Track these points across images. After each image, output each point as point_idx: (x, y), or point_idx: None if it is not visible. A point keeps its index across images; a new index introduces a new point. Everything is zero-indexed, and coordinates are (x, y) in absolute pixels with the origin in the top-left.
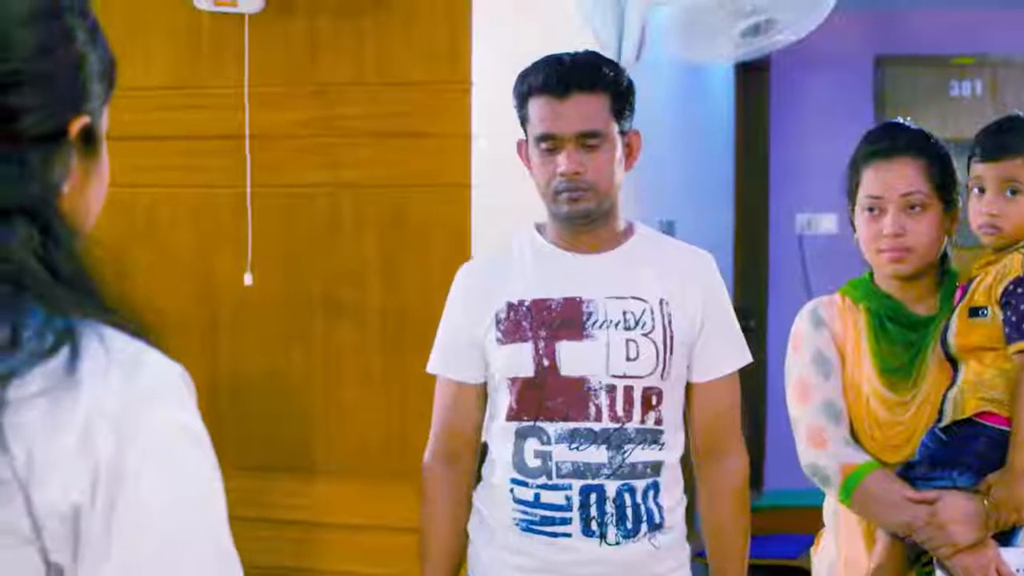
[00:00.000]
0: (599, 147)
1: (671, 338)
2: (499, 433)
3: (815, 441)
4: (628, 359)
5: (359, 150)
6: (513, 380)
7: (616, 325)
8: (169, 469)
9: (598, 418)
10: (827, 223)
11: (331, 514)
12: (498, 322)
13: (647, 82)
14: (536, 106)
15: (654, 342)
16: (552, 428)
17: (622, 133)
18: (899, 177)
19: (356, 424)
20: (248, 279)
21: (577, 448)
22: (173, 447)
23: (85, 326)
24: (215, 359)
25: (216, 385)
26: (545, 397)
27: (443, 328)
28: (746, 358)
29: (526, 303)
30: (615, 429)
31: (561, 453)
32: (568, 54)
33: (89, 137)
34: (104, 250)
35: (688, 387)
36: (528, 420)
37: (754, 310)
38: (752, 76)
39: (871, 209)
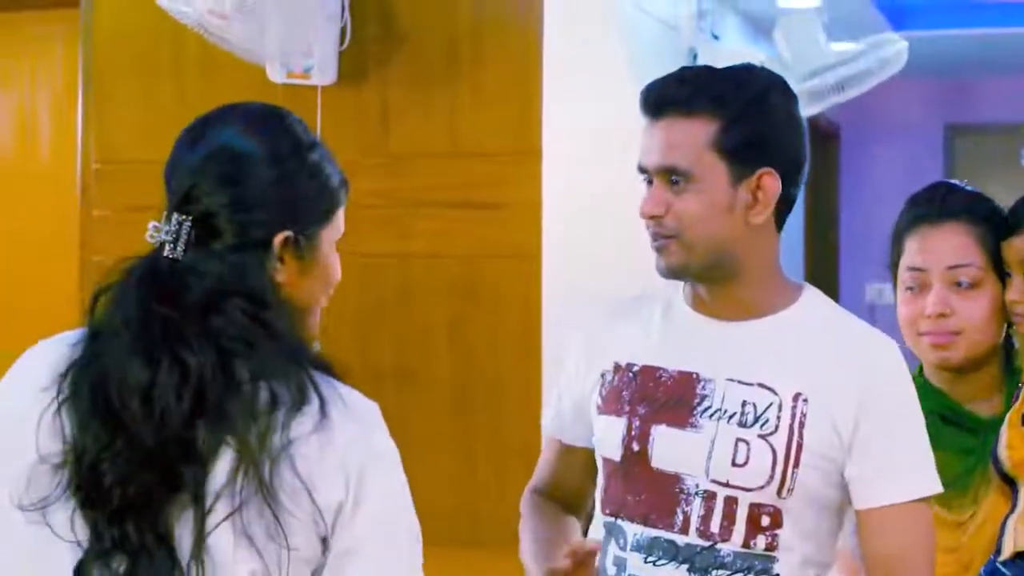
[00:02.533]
0: (685, 189)
1: (799, 447)
2: (595, 523)
3: (849, 569)
4: (734, 464)
5: (430, 220)
6: (605, 461)
7: (730, 418)
8: (388, 477)
9: (684, 530)
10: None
11: None
12: (602, 384)
13: None
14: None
15: (772, 448)
16: (631, 531)
17: (739, 172)
18: (945, 246)
19: (425, 493)
20: (317, 346)
21: (653, 563)
22: (390, 463)
23: (317, 379)
24: None
25: None
26: (628, 490)
27: (558, 381)
28: (929, 487)
29: (635, 368)
30: (702, 548)
31: (635, 565)
32: (699, 66)
33: (297, 245)
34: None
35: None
36: (610, 515)
37: None
38: (822, 144)
39: (911, 287)
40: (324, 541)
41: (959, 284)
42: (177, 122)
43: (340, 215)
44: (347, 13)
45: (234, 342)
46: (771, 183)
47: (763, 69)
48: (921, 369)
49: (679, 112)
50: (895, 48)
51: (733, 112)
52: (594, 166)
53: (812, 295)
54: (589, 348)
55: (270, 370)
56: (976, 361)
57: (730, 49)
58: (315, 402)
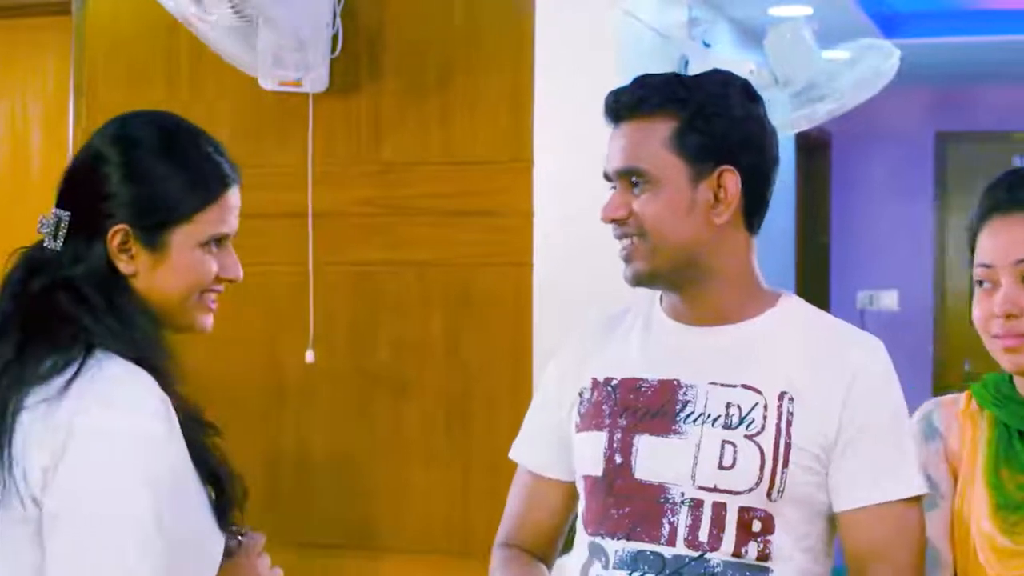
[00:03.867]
0: (645, 191)
1: (787, 446)
2: (577, 546)
3: None
4: (721, 467)
5: (422, 228)
6: (586, 480)
7: (714, 421)
8: (95, 454)
9: (671, 541)
10: (888, 300)
11: None
12: (580, 403)
13: None
14: None
15: (760, 448)
16: (613, 548)
17: (699, 170)
18: (1015, 238)
19: (420, 503)
20: (310, 356)
21: None
22: (107, 442)
23: (98, 359)
24: (279, 436)
25: (279, 461)
26: (611, 505)
27: (531, 405)
28: (912, 487)
29: (614, 381)
30: (691, 559)
31: None
32: (662, 73)
33: (141, 239)
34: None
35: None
36: (592, 534)
37: None
38: (813, 152)
39: (981, 282)
40: (36, 503)
41: None
42: None
43: (215, 214)
44: (339, 21)
45: (41, 321)
46: (732, 181)
47: (725, 72)
48: (1011, 377)
49: (638, 115)
50: (886, 56)
51: (690, 110)
52: (586, 175)
53: (792, 300)
54: (564, 372)
55: (52, 348)
56: None
57: (721, 57)
58: (67, 375)
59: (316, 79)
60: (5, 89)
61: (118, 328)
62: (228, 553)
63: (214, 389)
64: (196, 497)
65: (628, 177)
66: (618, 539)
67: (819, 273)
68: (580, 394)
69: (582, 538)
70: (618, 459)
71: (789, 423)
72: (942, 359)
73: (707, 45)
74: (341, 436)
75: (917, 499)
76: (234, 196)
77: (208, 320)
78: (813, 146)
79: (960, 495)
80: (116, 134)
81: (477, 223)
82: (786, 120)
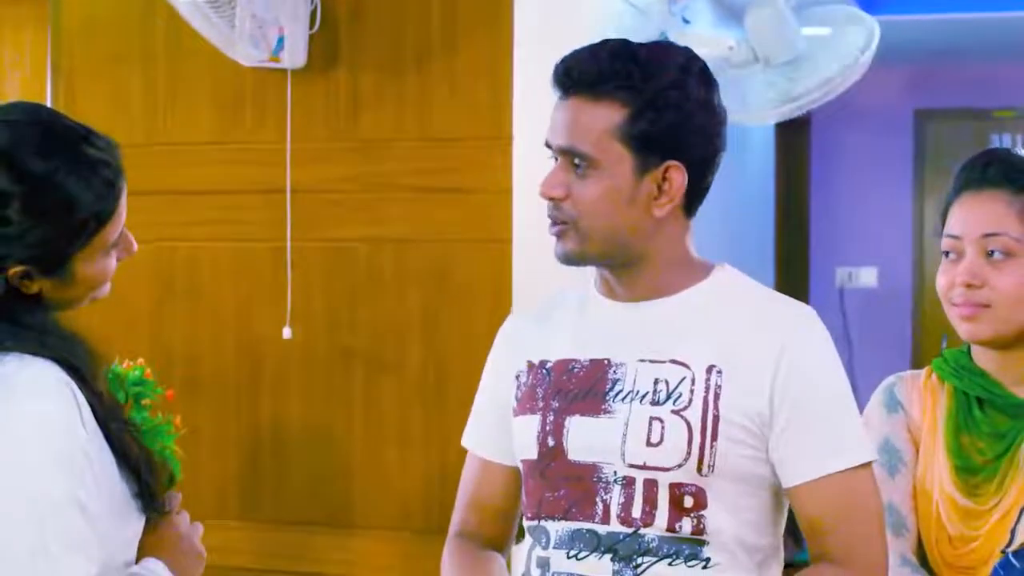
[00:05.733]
0: (587, 175)
1: (715, 419)
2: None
3: None
4: (649, 443)
5: (400, 205)
6: (524, 464)
7: (642, 398)
8: None
9: (604, 519)
10: (867, 277)
11: (370, 570)
12: (518, 387)
13: None
14: None
15: (687, 423)
16: (553, 528)
17: (645, 163)
18: (981, 213)
19: (396, 480)
20: (287, 333)
21: (575, 556)
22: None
23: (10, 358)
24: (255, 413)
25: (257, 438)
26: (547, 487)
27: (478, 389)
28: (860, 455)
29: (548, 364)
30: (625, 536)
31: (559, 562)
32: (613, 40)
33: (47, 270)
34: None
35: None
36: (532, 518)
37: None
38: (792, 131)
39: (947, 253)
40: None
41: (991, 254)
42: (146, 109)
43: (112, 225)
44: None
45: None
46: (678, 177)
47: (682, 50)
48: (969, 349)
49: (587, 94)
50: (866, 30)
51: (642, 101)
52: None
53: (724, 271)
54: (503, 356)
55: None
56: (1012, 339)
57: (701, 34)
58: None
59: (294, 55)
60: None
61: (34, 338)
62: (165, 512)
63: (191, 365)
64: (114, 483)
65: (570, 156)
66: (556, 520)
67: (798, 251)
68: (517, 377)
69: (526, 523)
70: (551, 442)
71: (717, 396)
72: (921, 335)
73: (687, 21)
74: (317, 413)
75: (865, 466)
76: (123, 193)
77: (106, 289)
78: (792, 124)
79: (922, 464)
80: (19, 168)
81: (456, 200)
82: (764, 99)
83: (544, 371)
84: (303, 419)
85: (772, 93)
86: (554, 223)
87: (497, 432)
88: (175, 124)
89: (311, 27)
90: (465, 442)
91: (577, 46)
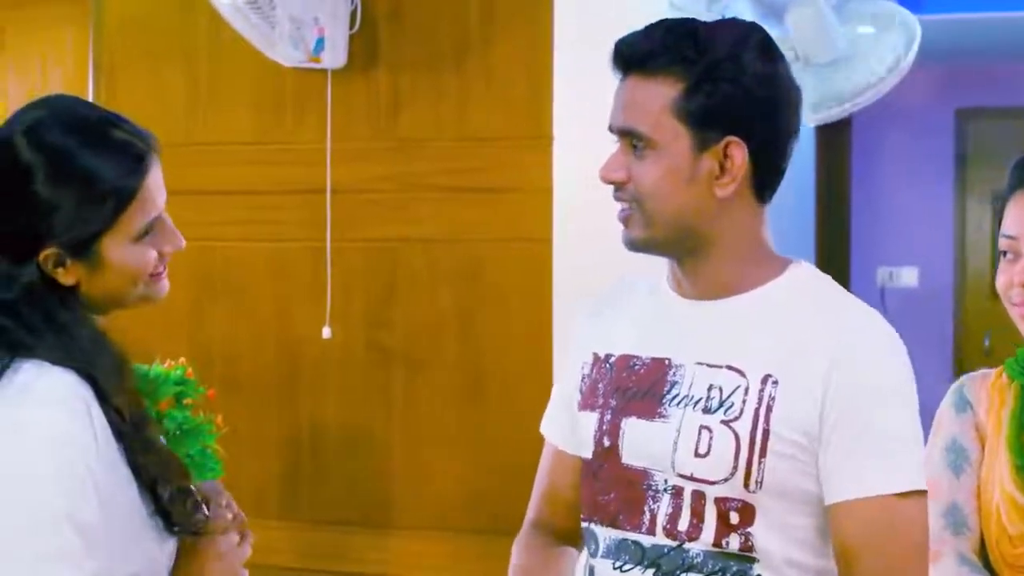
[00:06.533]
0: (645, 156)
1: (765, 433)
2: None
3: (930, 552)
4: (697, 454)
5: (439, 205)
6: (583, 462)
7: (695, 404)
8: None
9: (650, 530)
10: (908, 276)
11: (408, 569)
12: (583, 379)
13: None
14: None
15: (736, 435)
16: (602, 535)
17: (703, 139)
18: None
19: (434, 480)
20: (327, 332)
21: (620, 568)
22: (10, 439)
23: (21, 365)
24: (295, 413)
25: (296, 438)
26: (599, 491)
27: (557, 377)
28: (908, 482)
29: (612, 358)
30: (670, 549)
31: (604, 572)
32: (675, 20)
33: (76, 253)
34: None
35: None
36: (584, 520)
37: None
38: (833, 130)
39: (1004, 252)
40: None
41: None
42: (186, 108)
43: (138, 207)
44: None
45: None
46: (739, 154)
47: (744, 23)
48: None
49: (642, 72)
50: (908, 29)
51: (697, 74)
52: (605, 150)
53: (800, 269)
54: (574, 344)
55: None
56: None
57: None
58: None
59: (334, 56)
60: (25, 65)
61: (56, 342)
62: (195, 532)
63: (231, 365)
64: (126, 499)
65: (629, 138)
66: (605, 526)
67: (839, 250)
68: (582, 368)
69: (581, 523)
70: (607, 442)
71: (769, 408)
72: (962, 335)
73: None
74: (356, 413)
75: (915, 495)
76: (154, 177)
77: (163, 288)
78: (833, 123)
79: (986, 464)
80: (40, 141)
81: (495, 199)
82: (806, 102)
83: (607, 365)
84: (342, 419)
85: (814, 96)
86: (619, 202)
87: (569, 421)
88: (215, 124)
89: (351, 27)
90: (543, 428)
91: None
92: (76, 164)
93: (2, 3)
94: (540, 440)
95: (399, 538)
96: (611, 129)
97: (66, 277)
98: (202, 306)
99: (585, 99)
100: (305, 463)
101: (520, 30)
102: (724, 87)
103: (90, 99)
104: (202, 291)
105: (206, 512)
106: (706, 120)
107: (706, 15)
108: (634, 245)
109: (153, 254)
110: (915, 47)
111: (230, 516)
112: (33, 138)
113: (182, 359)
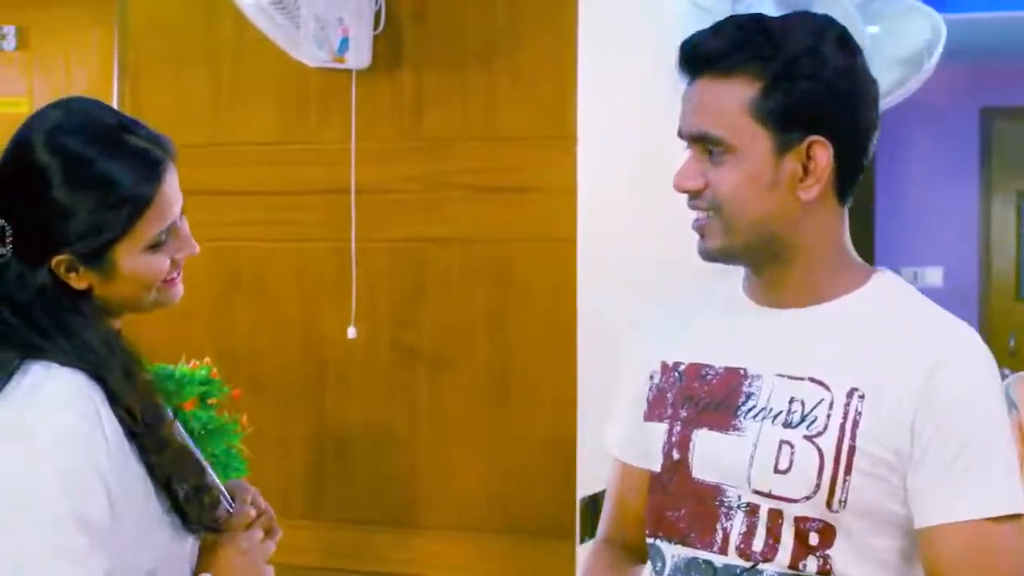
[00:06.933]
0: (722, 161)
1: (851, 450)
2: None
3: None
4: (777, 470)
5: (464, 205)
6: (650, 475)
7: (775, 417)
8: (5, 449)
9: (723, 549)
10: (933, 276)
11: (432, 568)
12: (649, 388)
13: None
14: None
15: (820, 451)
16: (669, 552)
17: (784, 141)
18: None
19: (459, 480)
20: (352, 333)
21: None
22: (12, 441)
23: (28, 366)
24: (319, 412)
25: (321, 437)
26: (667, 506)
27: (618, 388)
28: (1003, 505)
29: (681, 367)
30: (743, 570)
31: None
32: (745, 16)
33: (89, 260)
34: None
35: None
36: (650, 536)
37: None
38: None
39: None
40: None
41: None
42: (211, 108)
43: (153, 215)
44: None
45: None
46: (823, 153)
47: (818, 16)
48: None
49: (715, 72)
50: (931, 28)
51: (775, 72)
52: (630, 149)
53: (884, 278)
54: (639, 350)
55: None
56: None
57: None
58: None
59: (359, 56)
60: (50, 65)
61: (66, 345)
62: (214, 528)
63: (255, 365)
64: (140, 498)
65: (703, 143)
66: (674, 543)
67: (864, 250)
68: (651, 377)
69: (646, 539)
70: (676, 455)
71: (856, 424)
72: (987, 335)
73: None
74: (381, 413)
75: (1011, 519)
76: (169, 184)
77: (176, 294)
78: None
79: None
80: (57, 145)
81: (519, 199)
82: None
83: (676, 374)
84: (367, 419)
85: None
86: (694, 210)
87: (633, 433)
88: (239, 124)
89: (376, 27)
90: (607, 441)
91: (642, 41)
92: (93, 171)
93: (27, 4)
94: (564, 440)
95: (423, 538)
96: (681, 135)
97: (78, 282)
98: (227, 306)
99: (610, 99)
100: (329, 463)
101: (545, 30)
102: (804, 84)
103: (114, 100)
104: (227, 291)
105: (230, 507)
106: (787, 120)
107: (731, 15)
108: (711, 255)
109: (166, 262)
110: (940, 46)
111: (254, 512)
112: (51, 142)
113: (207, 359)
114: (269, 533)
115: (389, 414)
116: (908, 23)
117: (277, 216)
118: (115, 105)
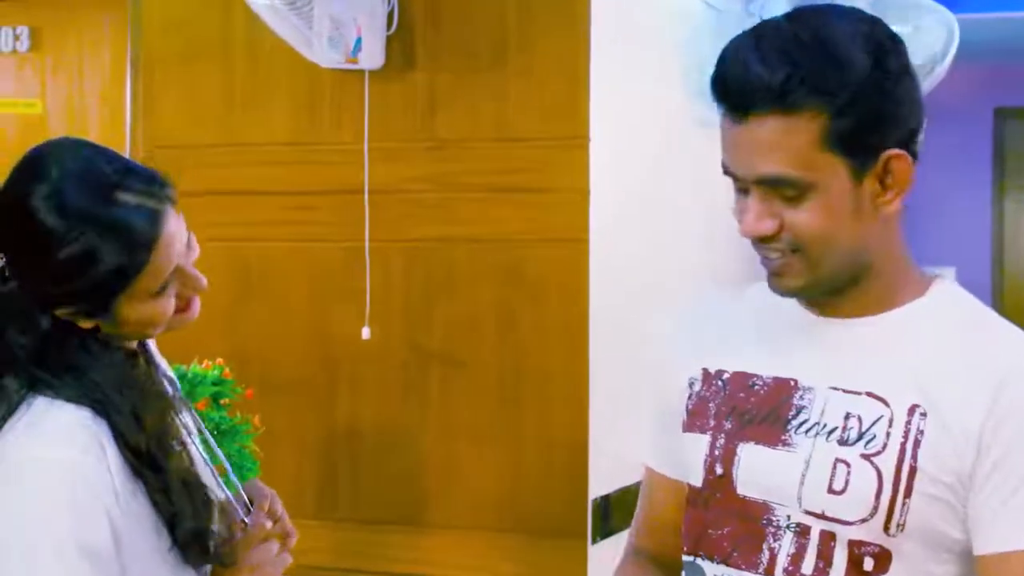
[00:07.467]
0: (802, 200)
1: (911, 471)
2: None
3: None
4: (831, 490)
5: (476, 205)
6: (688, 488)
7: (829, 433)
8: (4, 489)
9: (769, 570)
10: (945, 276)
11: (444, 568)
12: (689, 396)
13: None
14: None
15: (878, 471)
16: (710, 572)
17: (862, 164)
18: None
19: (471, 480)
20: (366, 333)
21: None
22: (15, 477)
23: (34, 400)
24: (332, 412)
25: (334, 438)
26: (708, 523)
27: (650, 395)
28: None
29: (725, 375)
30: None
31: None
32: (768, 37)
33: (92, 314)
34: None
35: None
36: (688, 553)
37: None
38: None
39: None
40: None
41: None
42: (225, 109)
43: (154, 266)
44: None
45: None
46: (901, 166)
47: (861, 20)
48: None
49: (772, 109)
50: (945, 28)
51: (843, 99)
52: (642, 151)
53: (944, 287)
54: (675, 356)
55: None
56: None
57: None
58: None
59: (372, 57)
60: (63, 66)
61: (74, 384)
62: (222, 563)
63: (267, 365)
64: (146, 532)
65: (773, 186)
66: (716, 563)
67: None
68: (690, 385)
69: (683, 556)
70: (719, 469)
71: (917, 443)
72: None
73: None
74: (394, 413)
75: None
76: (169, 231)
77: (190, 316)
78: None
79: None
80: (59, 204)
81: (532, 200)
82: None
83: (719, 383)
84: (379, 418)
85: None
86: (769, 257)
87: (669, 443)
88: (252, 124)
89: (388, 28)
90: (641, 451)
91: (655, 43)
92: (89, 239)
93: (40, 5)
94: (576, 440)
95: (435, 537)
96: (737, 177)
97: (85, 323)
98: (240, 306)
99: (622, 99)
100: (342, 463)
101: (558, 30)
102: (873, 101)
103: (127, 100)
104: (240, 291)
105: (245, 517)
106: (862, 143)
107: (743, 15)
108: (791, 293)
109: (171, 303)
110: (954, 46)
111: (269, 524)
112: (48, 206)
113: (219, 359)
114: (285, 542)
115: (402, 414)
116: (922, 23)
117: (290, 216)
118: (128, 105)
